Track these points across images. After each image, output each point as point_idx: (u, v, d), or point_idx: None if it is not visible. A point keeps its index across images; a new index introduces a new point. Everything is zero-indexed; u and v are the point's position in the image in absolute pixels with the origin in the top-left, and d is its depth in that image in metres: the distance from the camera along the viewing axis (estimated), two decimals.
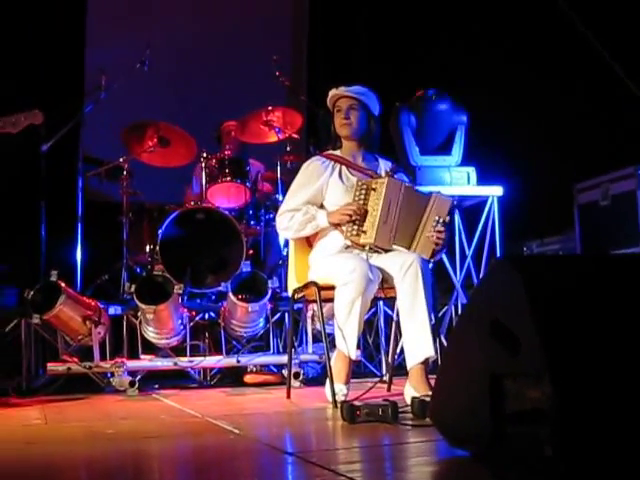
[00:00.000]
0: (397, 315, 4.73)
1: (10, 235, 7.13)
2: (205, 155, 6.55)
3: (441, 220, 4.48)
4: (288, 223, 4.65)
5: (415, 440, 3.22)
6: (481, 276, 6.06)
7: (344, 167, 4.71)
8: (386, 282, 4.41)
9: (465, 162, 6.10)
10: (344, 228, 4.50)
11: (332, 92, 4.78)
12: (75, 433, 3.80)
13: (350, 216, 4.45)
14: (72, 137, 6.52)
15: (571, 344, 2.26)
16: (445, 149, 6.13)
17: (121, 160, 6.53)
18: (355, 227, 4.46)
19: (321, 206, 4.66)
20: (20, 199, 7.09)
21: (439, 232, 4.47)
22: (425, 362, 4.25)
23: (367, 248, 4.47)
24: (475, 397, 2.52)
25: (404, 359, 4.39)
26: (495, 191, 6.08)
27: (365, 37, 8.07)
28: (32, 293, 5.41)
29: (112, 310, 5.84)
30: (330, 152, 4.79)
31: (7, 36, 7.76)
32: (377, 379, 5.16)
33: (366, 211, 4.46)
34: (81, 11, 8.10)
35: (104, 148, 7.18)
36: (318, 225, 4.59)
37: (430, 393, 3.80)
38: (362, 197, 4.49)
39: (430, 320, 4.24)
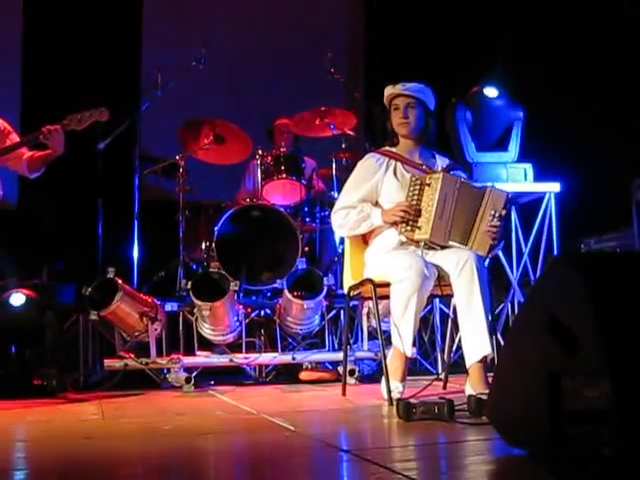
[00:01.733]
0: (453, 312, 4.71)
1: (68, 233, 7.22)
2: (261, 152, 6.56)
3: (497, 214, 4.44)
4: (343, 221, 4.64)
5: (471, 438, 3.19)
6: (538, 274, 6.00)
7: (399, 164, 4.69)
8: (442, 279, 4.38)
9: (522, 158, 6.05)
10: (399, 225, 4.48)
11: (389, 90, 4.76)
12: (132, 429, 3.83)
13: (404, 214, 4.43)
14: (129, 135, 6.57)
15: (632, 343, 2.22)
16: (502, 145, 6.09)
17: (177, 158, 6.57)
18: (410, 223, 4.44)
19: (376, 203, 4.64)
20: (78, 197, 7.16)
21: (495, 226, 4.43)
22: (483, 360, 4.22)
23: (422, 244, 4.45)
24: (532, 396, 2.49)
25: (460, 356, 4.36)
26: (552, 187, 6.02)
27: (421, 33, 8.02)
28: (90, 290, 5.46)
29: (168, 307, 5.88)
30: (386, 149, 4.77)
31: (67, 35, 7.86)
32: (433, 377, 5.13)
33: (419, 209, 4.43)
34: (138, 9, 8.16)
35: (160, 146, 7.23)
36: (372, 224, 4.58)
37: (487, 391, 3.77)
38: (416, 193, 4.46)
39: (487, 318, 4.21)
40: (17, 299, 5.37)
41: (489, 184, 4.73)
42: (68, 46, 7.86)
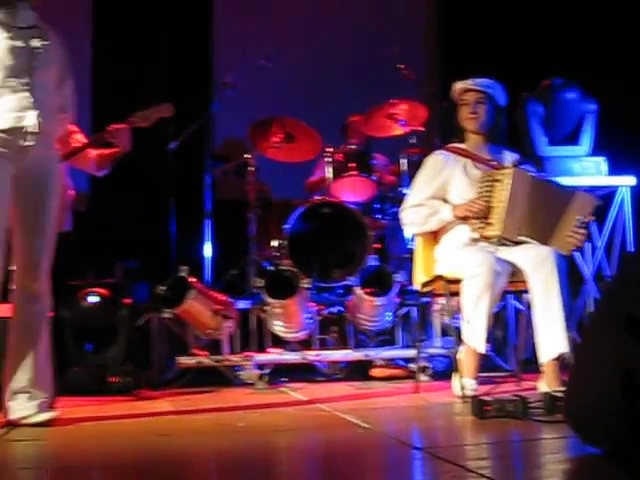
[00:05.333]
0: (526, 309, 4.67)
1: (141, 232, 7.30)
2: (330, 150, 6.56)
3: (584, 220, 4.38)
4: (412, 218, 4.62)
5: (546, 436, 3.17)
6: (612, 269, 5.92)
7: (468, 160, 4.66)
8: (515, 275, 4.35)
9: (595, 152, 5.97)
10: (470, 221, 4.45)
11: (458, 85, 4.73)
12: (205, 426, 3.86)
13: (476, 209, 4.40)
14: (200, 135, 6.62)
15: None
16: (574, 139, 6.01)
17: (247, 156, 6.60)
18: (481, 219, 4.41)
19: (445, 201, 4.62)
20: (150, 196, 7.24)
21: (581, 233, 4.37)
22: (558, 358, 4.17)
23: (494, 240, 4.42)
24: (609, 394, 2.45)
25: (533, 353, 4.32)
26: (627, 181, 5.93)
27: (491, 27, 7.96)
28: (163, 288, 5.52)
29: (241, 304, 5.91)
30: (454, 145, 4.75)
31: (137, 35, 7.95)
32: (506, 373, 5.08)
33: (491, 205, 4.39)
34: (208, 8, 8.22)
35: (231, 145, 7.27)
36: (443, 219, 4.55)
37: (562, 389, 3.72)
38: (487, 189, 4.43)
39: (564, 315, 4.16)
40: (91, 298, 5.45)
41: (574, 185, 4.67)
42: (139, 46, 7.95)
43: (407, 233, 5.87)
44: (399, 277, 5.67)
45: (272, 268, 6.29)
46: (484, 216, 4.40)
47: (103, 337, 5.49)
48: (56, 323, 4.82)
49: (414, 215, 4.63)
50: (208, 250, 6.52)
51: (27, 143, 3.75)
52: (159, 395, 5.15)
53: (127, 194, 7.43)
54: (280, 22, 8.10)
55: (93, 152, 5.57)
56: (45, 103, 3.82)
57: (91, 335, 5.50)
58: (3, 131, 3.68)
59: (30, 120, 3.75)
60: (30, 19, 3.83)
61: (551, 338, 4.17)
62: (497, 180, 4.43)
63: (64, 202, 5.68)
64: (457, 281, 4.35)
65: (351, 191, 6.53)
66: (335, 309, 6.04)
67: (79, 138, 5.63)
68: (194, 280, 5.55)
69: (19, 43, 3.73)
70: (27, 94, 3.75)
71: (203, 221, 6.56)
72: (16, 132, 3.72)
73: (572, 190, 4.49)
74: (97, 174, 5.71)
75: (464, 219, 4.49)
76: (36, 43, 3.81)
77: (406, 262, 6.36)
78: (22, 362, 3.86)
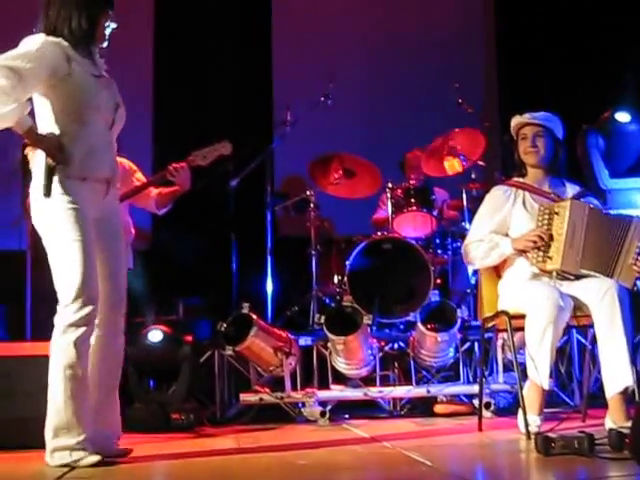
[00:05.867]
0: (590, 343, 4.61)
1: (203, 269, 7.36)
2: (390, 185, 6.57)
3: None
4: (474, 253, 4.60)
5: (613, 474, 3.11)
6: None
7: (528, 194, 4.63)
8: (579, 309, 4.30)
9: None
10: (530, 255, 4.42)
11: (516, 119, 4.72)
12: (268, 463, 3.85)
13: (535, 242, 4.37)
14: (260, 172, 6.67)
15: None
16: (636, 171, 5.94)
17: (308, 193, 6.63)
18: (541, 253, 4.38)
19: (506, 235, 4.59)
20: (212, 233, 7.30)
21: None
22: (624, 391, 4.11)
23: (555, 274, 4.38)
24: None
25: (598, 388, 4.26)
26: None
27: (549, 61, 7.94)
28: (225, 325, 5.54)
29: (302, 341, 5.91)
30: (514, 179, 4.73)
31: (198, 74, 8.06)
32: (571, 409, 5.01)
33: (551, 236, 4.36)
34: (267, 48, 8.31)
35: (291, 181, 7.32)
36: (503, 253, 4.52)
37: (629, 424, 3.66)
38: (545, 222, 4.40)
39: (629, 348, 4.10)
40: (154, 335, 5.49)
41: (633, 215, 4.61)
42: (199, 85, 8.06)
43: (469, 268, 5.84)
44: (461, 312, 5.63)
45: (333, 304, 6.30)
46: (543, 249, 4.37)
47: (166, 374, 5.51)
48: None
49: (476, 250, 4.61)
50: (269, 287, 6.55)
51: (110, 190, 3.84)
52: (221, 432, 5.15)
53: (189, 232, 7.49)
54: (339, 58, 8.15)
55: (154, 191, 5.67)
56: (116, 156, 3.93)
57: (154, 372, 5.54)
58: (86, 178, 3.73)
59: (116, 170, 3.86)
60: (103, 67, 3.90)
61: (616, 371, 4.11)
62: (555, 213, 4.39)
63: (126, 241, 5.77)
64: (520, 316, 4.31)
65: (412, 226, 6.53)
66: (397, 345, 6.01)
67: (139, 177, 5.74)
68: (256, 317, 5.56)
69: (103, 90, 3.80)
70: (111, 144, 3.85)
71: (264, 258, 6.60)
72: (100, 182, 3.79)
73: (629, 219, 4.44)
74: (158, 213, 5.82)
75: (524, 252, 4.45)
76: (112, 89, 3.89)
77: (468, 297, 6.34)
78: (108, 399, 3.88)
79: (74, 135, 3.67)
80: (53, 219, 3.66)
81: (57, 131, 3.66)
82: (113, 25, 3.84)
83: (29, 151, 3.74)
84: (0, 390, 4.40)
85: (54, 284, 3.71)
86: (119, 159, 5.71)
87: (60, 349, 3.65)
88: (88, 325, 3.66)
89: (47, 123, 3.69)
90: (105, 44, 3.86)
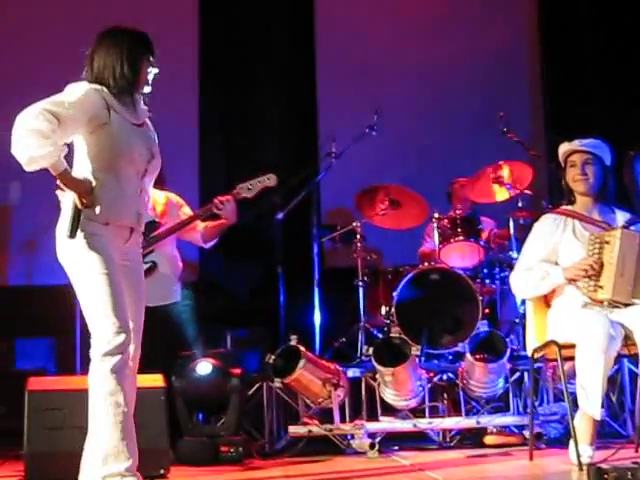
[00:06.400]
0: None
1: (251, 301, 7.39)
2: (437, 215, 6.56)
3: None
4: (523, 283, 4.57)
5: None
6: None
7: (577, 222, 4.60)
8: (629, 338, 4.25)
9: None
10: (580, 284, 4.39)
11: (564, 147, 4.70)
12: None
13: (586, 271, 4.33)
14: (306, 204, 6.70)
15: None
16: None
17: (354, 224, 6.64)
18: (592, 282, 4.34)
19: (556, 263, 4.56)
20: (259, 266, 7.33)
21: None
22: None
23: (606, 304, 4.34)
24: None
25: None
26: None
27: (594, 85, 7.92)
28: (273, 357, 5.54)
29: (351, 372, 5.89)
30: (563, 207, 4.70)
31: (244, 105, 8.13)
32: (623, 440, 4.94)
33: (602, 265, 4.33)
34: (313, 78, 8.35)
35: (337, 213, 7.33)
36: (553, 282, 4.49)
37: None
38: (596, 251, 4.37)
39: None
40: (203, 368, 5.50)
41: None
42: (244, 118, 8.14)
43: (518, 297, 5.80)
44: (510, 342, 5.59)
45: (381, 335, 6.28)
46: (594, 278, 4.33)
47: (214, 407, 5.52)
48: (169, 393, 4.90)
49: (525, 279, 4.58)
50: (317, 318, 6.55)
51: (132, 236, 3.91)
52: (270, 464, 5.14)
53: (236, 264, 7.53)
54: (383, 88, 8.17)
55: (200, 224, 5.73)
56: (145, 204, 3.99)
57: (203, 405, 5.55)
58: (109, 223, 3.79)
59: (141, 218, 3.91)
60: (144, 114, 3.97)
61: None
62: (606, 242, 4.36)
63: (173, 274, 5.82)
64: (570, 345, 4.27)
65: (459, 256, 6.51)
66: (446, 376, 5.97)
67: (186, 211, 5.80)
68: (304, 349, 5.56)
69: (139, 141, 3.87)
70: (140, 192, 3.91)
71: (312, 289, 6.60)
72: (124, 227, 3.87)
73: None
74: (205, 246, 5.87)
75: (574, 281, 4.42)
76: (149, 140, 3.96)
77: (517, 327, 6.29)
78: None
79: (104, 181, 3.77)
80: (78, 257, 3.75)
81: (89, 175, 3.77)
82: (155, 70, 3.93)
83: (59, 192, 3.83)
84: (52, 423, 4.43)
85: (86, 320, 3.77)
86: (166, 193, 5.83)
87: (99, 379, 3.69)
88: (123, 353, 3.71)
89: (82, 166, 3.81)
90: (148, 89, 3.95)
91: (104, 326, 3.69)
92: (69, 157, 3.79)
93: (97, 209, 3.73)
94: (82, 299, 3.77)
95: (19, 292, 7.24)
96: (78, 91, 3.74)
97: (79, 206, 3.70)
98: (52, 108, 3.61)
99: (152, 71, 3.92)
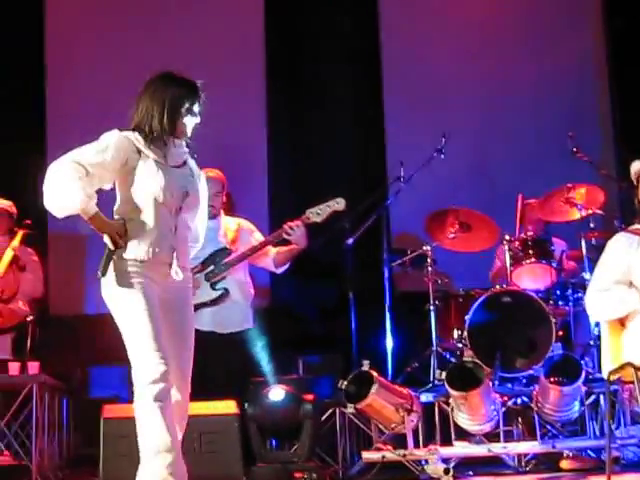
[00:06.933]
0: None
1: (322, 326, 7.40)
2: (507, 237, 6.51)
3: None
4: (598, 305, 4.51)
5: None
6: None
7: None
8: None
9: None
10: None
11: (637, 165, 4.63)
12: None
13: None
14: (376, 228, 6.70)
15: None
16: None
17: (425, 248, 6.62)
18: None
19: (630, 284, 4.49)
20: (330, 291, 7.34)
21: None
22: None
23: None
24: None
25: None
26: None
27: None
28: (346, 383, 5.54)
29: (424, 397, 5.87)
30: (636, 227, 4.64)
31: (312, 131, 8.19)
32: None
33: None
34: (379, 103, 8.38)
35: (407, 237, 7.33)
36: (631, 307, 4.41)
37: None
38: None
39: None
40: (276, 394, 5.52)
41: None
42: (313, 143, 8.19)
43: (593, 320, 5.73)
44: (585, 365, 5.52)
45: (454, 359, 6.25)
46: None
47: (288, 433, 5.54)
48: (242, 420, 4.93)
49: (601, 303, 4.51)
50: (389, 343, 6.53)
51: (170, 278, 3.94)
52: None
53: (307, 289, 7.56)
54: (450, 111, 8.15)
55: (272, 250, 5.78)
56: (185, 239, 4.04)
57: (276, 431, 5.57)
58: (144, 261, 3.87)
59: (175, 270, 3.94)
60: (181, 157, 4.03)
61: None
62: None
63: (246, 300, 5.86)
64: None
65: (531, 278, 6.45)
66: (520, 400, 5.91)
67: (258, 237, 5.86)
68: (376, 374, 5.55)
69: (172, 181, 3.93)
70: (175, 229, 3.96)
71: (383, 314, 6.59)
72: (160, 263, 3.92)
73: None
74: (277, 271, 5.92)
75: None
76: (185, 179, 4.01)
77: (591, 349, 6.21)
78: None
79: (136, 221, 3.88)
80: (117, 296, 3.86)
81: (125, 216, 3.91)
82: (196, 120, 3.99)
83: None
84: (126, 450, 4.47)
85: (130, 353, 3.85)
86: (238, 220, 5.90)
87: (144, 408, 3.74)
88: (166, 382, 3.75)
89: (119, 208, 3.96)
90: (187, 137, 4.02)
91: (146, 358, 3.76)
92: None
93: (131, 248, 3.85)
94: (124, 335, 3.85)
95: (94, 321, 7.35)
96: (108, 139, 3.88)
97: (111, 247, 3.83)
98: (80, 158, 3.80)
99: (193, 121, 3.99)
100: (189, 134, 4.01)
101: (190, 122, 3.97)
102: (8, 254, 6.34)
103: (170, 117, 3.92)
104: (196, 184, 4.07)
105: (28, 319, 6.29)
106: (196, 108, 3.98)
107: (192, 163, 4.10)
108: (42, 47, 8.37)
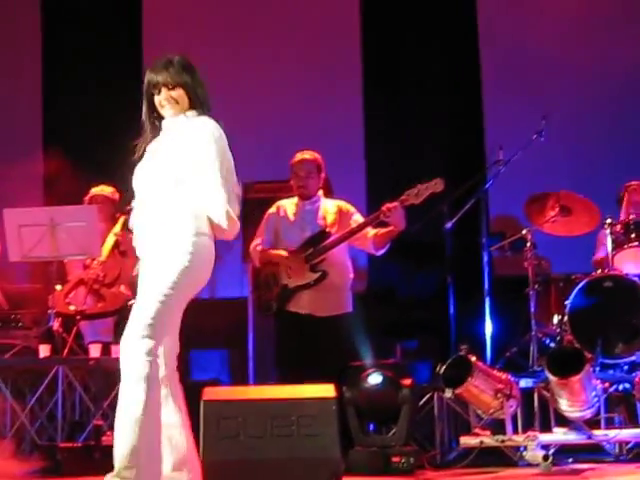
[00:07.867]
0: None
1: (420, 311, 7.38)
2: (609, 221, 6.40)
3: None
4: None
5: None
6: None
7: None
8: None
9: None
10: None
11: None
12: None
13: None
14: (474, 212, 6.65)
15: None
16: None
17: (524, 232, 6.55)
18: None
19: None
20: (428, 276, 7.32)
21: None
22: None
23: None
24: None
25: None
26: None
27: None
28: (444, 368, 5.53)
29: (523, 383, 5.81)
30: None
31: (409, 115, 8.17)
32: None
33: None
34: (478, 87, 8.31)
35: (506, 221, 7.26)
36: None
37: None
38: None
39: None
40: (375, 378, 5.53)
41: None
42: (410, 126, 8.18)
43: None
44: None
45: (554, 345, 6.18)
46: None
47: (385, 417, 5.54)
48: (340, 403, 4.96)
49: None
50: (488, 328, 6.48)
51: None
52: (442, 475, 5.14)
53: (405, 274, 7.55)
54: (549, 93, 8.03)
55: (370, 232, 5.79)
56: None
57: (374, 415, 5.58)
58: None
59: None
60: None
61: None
62: None
63: (344, 283, 5.89)
64: None
65: (633, 263, 6.33)
66: (622, 386, 5.82)
67: (357, 219, 5.88)
68: (475, 359, 5.52)
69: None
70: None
71: (482, 299, 6.54)
72: None
73: None
74: (375, 254, 5.93)
75: None
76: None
77: None
78: None
79: None
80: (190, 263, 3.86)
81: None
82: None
83: None
84: (227, 432, 4.53)
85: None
86: (337, 202, 5.95)
87: (134, 361, 3.90)
88: (159, 343, 3.85)
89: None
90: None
91: (154, 320, 3.77)
92: None
93: None
94: (159, 289, 3.80)
95: (194, 304, 7.46)
96: (224, 143, 3.69)
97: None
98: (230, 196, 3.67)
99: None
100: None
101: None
102: (110, 239, 6.45)
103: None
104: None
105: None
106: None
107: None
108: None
